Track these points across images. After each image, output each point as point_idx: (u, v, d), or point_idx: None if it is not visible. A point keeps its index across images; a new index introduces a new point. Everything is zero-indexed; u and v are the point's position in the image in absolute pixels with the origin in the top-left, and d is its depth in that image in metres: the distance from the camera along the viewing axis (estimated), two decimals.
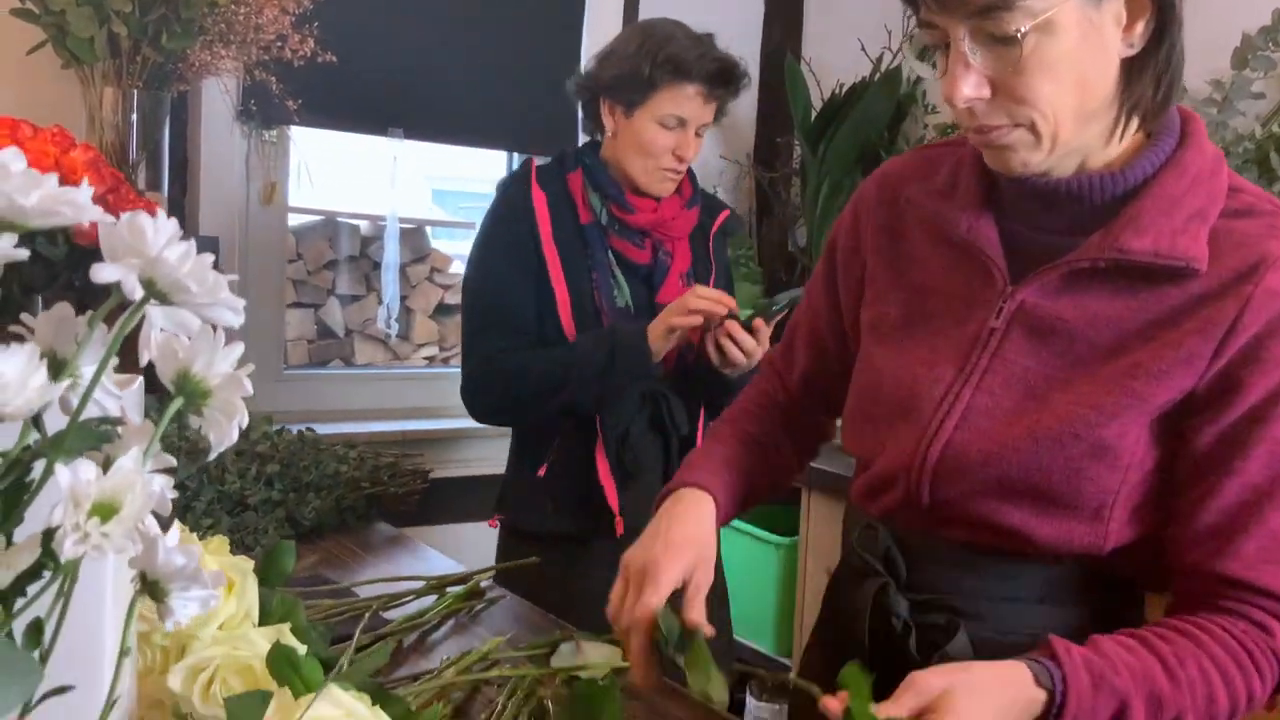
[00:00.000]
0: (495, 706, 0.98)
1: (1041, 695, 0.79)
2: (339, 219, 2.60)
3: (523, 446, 1.71)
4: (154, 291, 0.43)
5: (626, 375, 1.55)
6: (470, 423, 2.49)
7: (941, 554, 0.95)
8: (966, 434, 0.91)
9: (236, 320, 0.43)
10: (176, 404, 0.46)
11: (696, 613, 0.91)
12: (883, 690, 0.78)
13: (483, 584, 1.32)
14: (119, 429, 0.45)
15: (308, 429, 1.62)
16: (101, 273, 0.42)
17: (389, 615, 1.21)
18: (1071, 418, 0.87)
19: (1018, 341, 0.92)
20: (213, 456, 0.46)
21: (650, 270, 1.64)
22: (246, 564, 0.90)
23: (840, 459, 1.92)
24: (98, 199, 0.54)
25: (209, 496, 1.42)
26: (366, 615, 1.15)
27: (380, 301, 2.60)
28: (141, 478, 0.39)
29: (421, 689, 0.95)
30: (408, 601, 1.26)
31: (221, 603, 0.87)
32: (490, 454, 2.51)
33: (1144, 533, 0.89)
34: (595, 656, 1.12)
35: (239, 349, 0.47)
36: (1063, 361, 0.90)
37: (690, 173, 1.69)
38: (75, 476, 0.38)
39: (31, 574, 0.42)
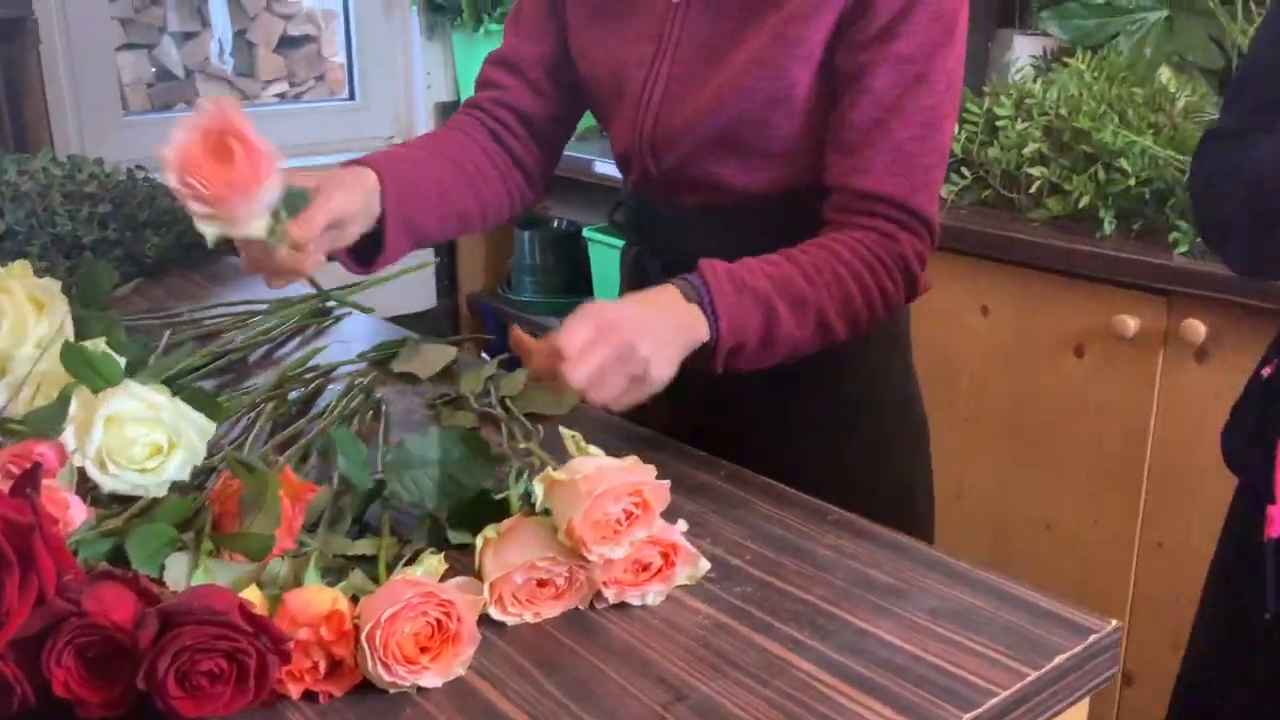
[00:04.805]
0: (336, 405, 1.03)
1: (695, 309, 0.87)
2: None
3: None
4: None
5: None
6: (322, 158, 2.46)
7: (682, 217, 1.05)
8: (670, 105, 1.00)
9: None
10: None
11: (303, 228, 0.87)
12: None
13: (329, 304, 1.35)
14: None
15: (138, 167, 1.57)
16: None
17: (234, 336, 1.23)
18: (746, 74, 0.95)
19: (699, 11, 0.99)
20: None
21: None
22: (54, 284, 0.91)
23: None
24: None
25: (41, 241, 1.39)
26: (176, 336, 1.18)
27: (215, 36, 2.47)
28: None
29: (247, 394, 0.99)
30: (255, 323, 1.28)
31: (34, 323, 0.89)
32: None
33: None
34: (434, 358, 1.17)
35: None
36: (736, 22, 0.97)
37: None
38: None
39: None
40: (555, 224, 2.58)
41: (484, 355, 2.67)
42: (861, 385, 1.10)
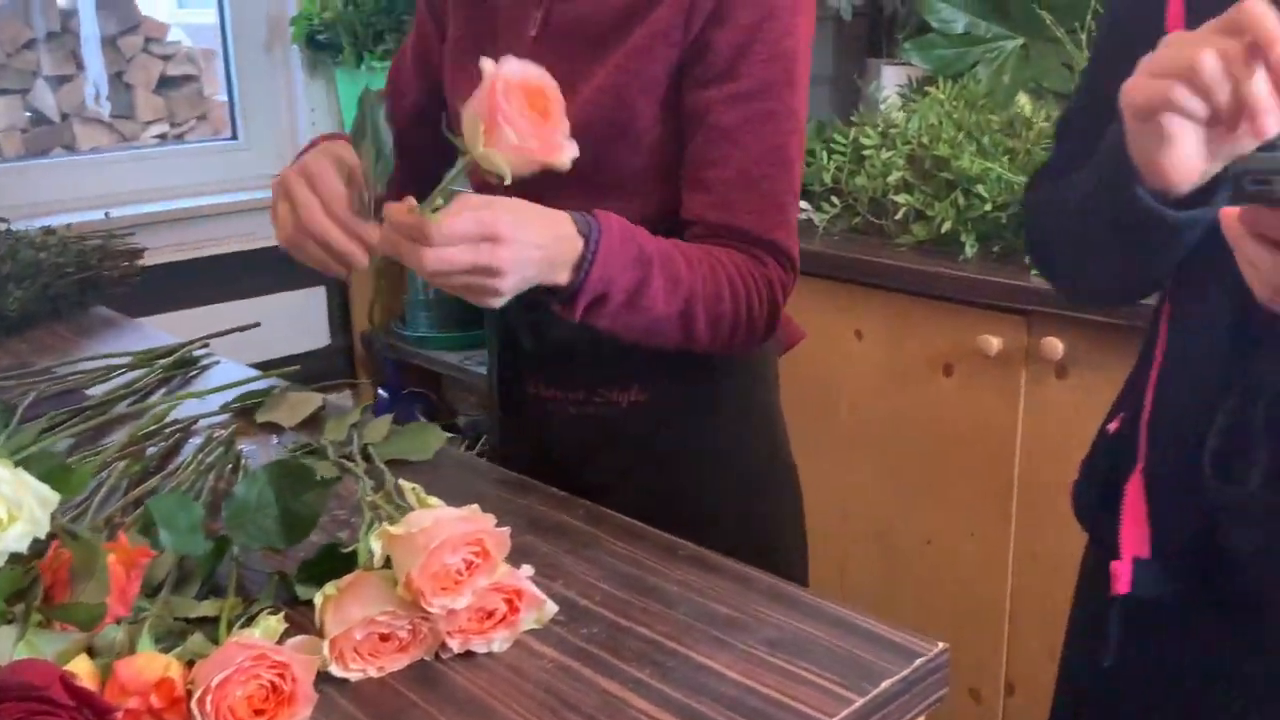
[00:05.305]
0: (195, 459, 1.02)
1: (579, 241, 0.88)
2: None
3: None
4: None
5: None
6: (207, 199, 2.42)
7: None
8: None
9: None
10: None
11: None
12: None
13: (198, 352, 1.34)
14: None
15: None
16: None
17: (95, 391, 1.21)
18: (592, 105, 0.97)
19: (554, 47, 1.00)
20: None
21: None
22: None
23: None
24: None
25: None
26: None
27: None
28: None
29: (99, 454, 0.98)
30: (117, 375, 1.26)
31: None
32: (241, 230, 2.44)
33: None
34: (299, 405, 1.17)
35: None
36: (588, 57, 0.99)
37: None
38: None
39: None
40: None
41: (380, 392, 2.66)
42: (731, 434, 1.12)
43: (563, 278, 0.87)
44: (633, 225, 0.92)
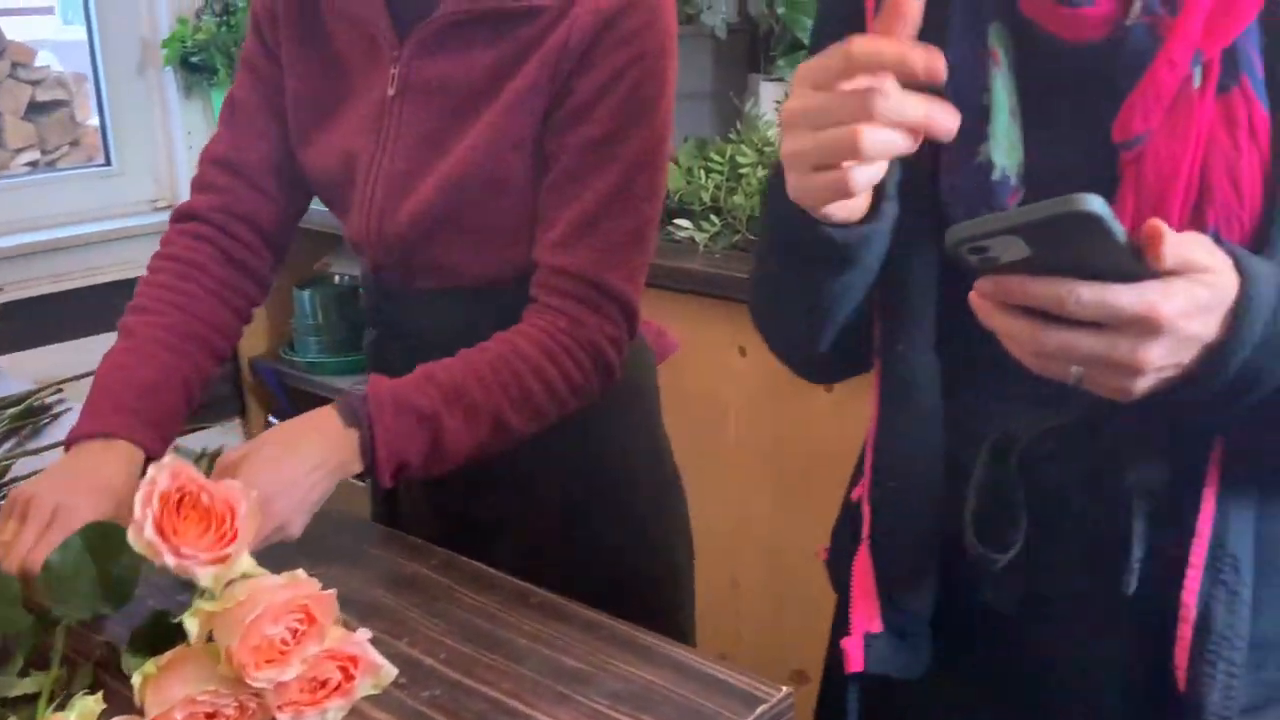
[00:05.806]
0: None
1: (352, 433, 0.88)
2: None
3: None
4: None
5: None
6: (82, 228, 2.34)
7: (420, 301, 1.04)
8: (393, 199, 0.99)
9: None
10: None
11: None
12: None
13: (50, 399, 1.29)
14: None
15: None
16: None
17: None
18: (465, 161, 0.96)
19: (414, 105, 0.98)
20: None
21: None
22: None
23: None
24: None
25: None
26: None
27: None
28: None
29: None
30: None
31: None
32: (117, 258, 2.36)
33: None
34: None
35: None
36: (454, 115, 0.97)
37: None
38: None
39: None
40: (336, 280, 2.53)
41: (271, 420, 2.60)
42: (618, 452, 1.11)
43: (356, 467, 0.88)
44: (406, 385, 0.90)
